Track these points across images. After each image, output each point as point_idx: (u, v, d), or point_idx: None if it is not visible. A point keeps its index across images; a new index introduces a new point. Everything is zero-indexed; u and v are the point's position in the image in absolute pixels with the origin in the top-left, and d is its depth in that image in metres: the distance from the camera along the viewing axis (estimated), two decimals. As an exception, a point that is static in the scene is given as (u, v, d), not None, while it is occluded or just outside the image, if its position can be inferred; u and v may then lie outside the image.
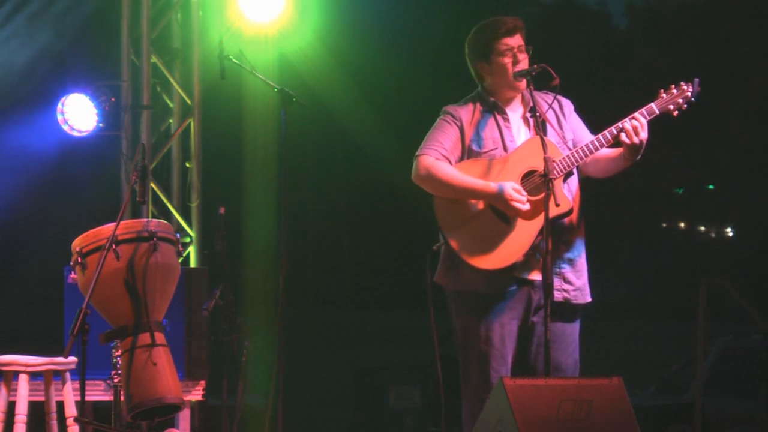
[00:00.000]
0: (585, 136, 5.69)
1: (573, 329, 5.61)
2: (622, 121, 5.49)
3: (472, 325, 5.55)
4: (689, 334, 10.08)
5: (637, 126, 5.46)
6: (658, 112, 5.53)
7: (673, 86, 5.59)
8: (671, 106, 5.56)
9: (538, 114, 5.51)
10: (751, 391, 10.66)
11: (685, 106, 5.58)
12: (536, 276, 5.51)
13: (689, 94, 5.57)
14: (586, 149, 5.51)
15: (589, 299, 5.64)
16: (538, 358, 5.55)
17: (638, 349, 17.43)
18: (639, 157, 5.53)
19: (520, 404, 4.95)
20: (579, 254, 5.62)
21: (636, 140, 5.46)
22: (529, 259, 5.49)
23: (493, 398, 5.13)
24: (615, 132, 5.49)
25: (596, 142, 5.51)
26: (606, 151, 5.57)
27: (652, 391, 11.55)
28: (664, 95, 5.56)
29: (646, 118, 5.49)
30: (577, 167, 5.57)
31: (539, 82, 5.55)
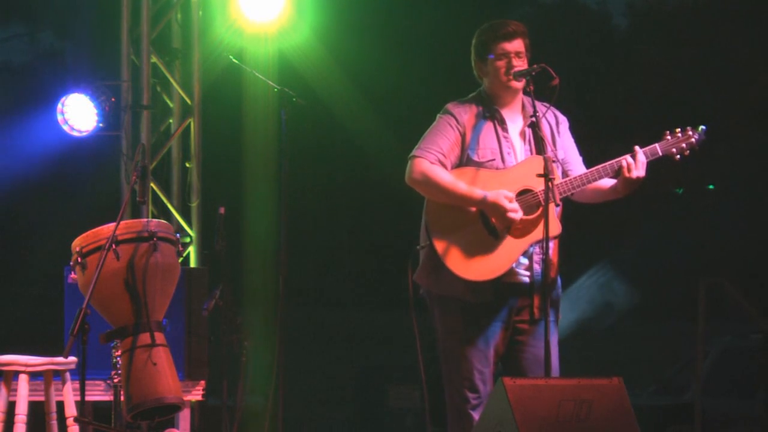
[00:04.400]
0: (575, 157, 5.70)
1: (553, 333, 5.62)
2: (623, 157, 5.50)
3: (454, 327, 5.56)
4: (689, 334, 10.08)
5: (639, 162, 5.46)
6: (660, 154, 5.56)
7: (678, 130, 5.59)
8: (674, 150, 5.57)
9: (537, 115, 5.51)
10: (751, 391, 10.66)
11: (688, 152, 5.59)
12: (519, 279, 5.52)
13: (694, 141, 5.58)
14: (584, 178, 5.52)
15: (560, 315, 5.68)
16: (522, 356, 5.58)
17: (638, 349, 17.42)
18: (631, 192, 5.54)
19: (520, 404, 4.95)
20: (556, 277, 5.64)
21: (634, 175, 5.46)
22: (512, 269, 5.50)
23: (493, 398, 5.14)
24: (616, 167, 5.50)
25: (596, 173, 5.52)
26: (597, 182, 5.57)
27: (652, 391, 11.55)
28: (669, 137, 5.57)
29: (648, 157, 5.50)
30: None
31: (539, 82, 5.55)
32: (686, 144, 5.57)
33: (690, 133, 5.58)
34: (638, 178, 5.49)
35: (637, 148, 5.52)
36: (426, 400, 5.87)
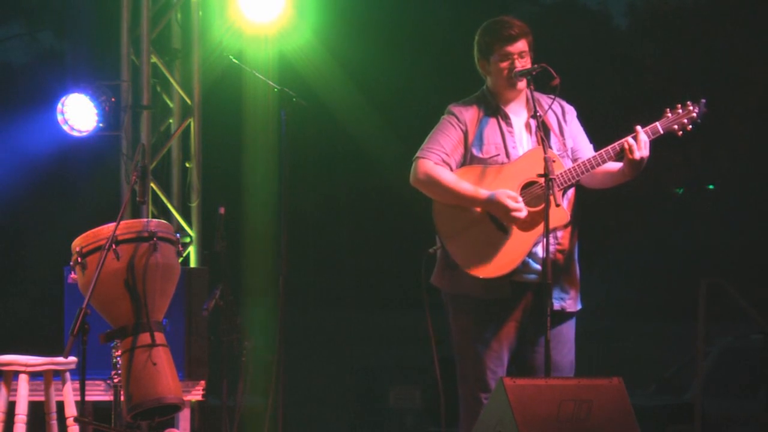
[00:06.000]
0: (584, 144, 5.70)
1: (569, 331, 5.63)
2: (625, 138, 5.49)
3: (468, 327, 5.56)
4: (689, 334, 10.08)
5: (641, 141, 5.46)
6: (662, 132, 5.53)
7: (679, 106, 5.58)
8: (675, 126, 5.55)
9: (539, 115, 5.51)
10: (751, 391, 10.67)
11: (690, 126, 5.57)
12: (532, 278, 5.52)
13: (695, 114, 5.56)
14: (588, 164, 5.51)
15: (580, 306, 5.67)
16: (536, 357, 5.57)
17: (638, 349, 17.42)
18: (637, 173, 5.53)
19: (520, 404, 4.95)
20: (574, 264, 5.64)
21: (637, 155, 5.46)
22: (526, 264, 5.50)
23: (493, 398, 5.14)
24: (618, 149, 5.49)
25: (599, 158, 5.51)
26: (604, 165, 5.57)
27: (652, 391, 11.56)
28: (670, 114, 5.56)
29: (649, 136, 5.49)
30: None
31: (539, 82, 5.55)
32: (687, 119, 5.56)
33: (690, 107, 5.57)
34: (642, 159, 5.48)
35: (638, 128, 5.51)
36: (442, 402, 5.86)
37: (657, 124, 5.55)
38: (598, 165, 5.52)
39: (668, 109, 5.58)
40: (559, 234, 5.53)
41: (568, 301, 5.60)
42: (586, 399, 5.04)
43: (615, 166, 5.58)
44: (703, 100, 5.59)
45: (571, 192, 5.59)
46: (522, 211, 5.43)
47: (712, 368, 10.93)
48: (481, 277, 5.46)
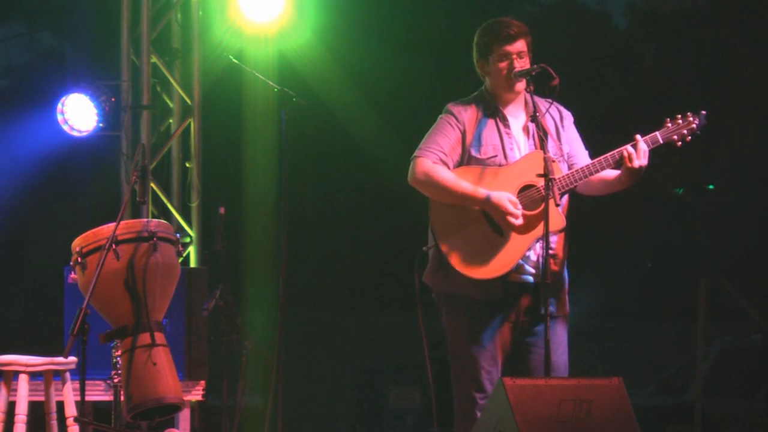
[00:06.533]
0: (580, 151, 5.70)
1: (562, 333, 5.63)
2: (624, 147, 5.49)
3: (461, 327, 5.56)
4: (689, 334, 10.08)
5: (640, 150, 5.46)
6: (661, 142, 5.53)
7: (679, 116, 5.58)
8: (675, 137, 5.56)
9: (538, 115, 5.51)
10: (751, 391, 10.66)
11: (690, 138, 5.57)
12: (526, 278, 5.52)
13: (695, 126, 5.57)
14: (586, 170, 5.51)
15: (568, 309, 5.67)
16: (529, 357, 5.57)
17: (638, 349, 17.42)
18: (634, 182, 5.53)
19: (520, 404, 4.95)
20: (563, 271, 5.65)
21: (636, 164, 5.46)
22: (519, 267, 5.51)
23: (493, 398, 5.14)
24: (617, 156, 5.49)
25: (597, 165, 5.51)
26: (601, 173, 5.57)
27: (652, 391, 11.56)
28: (670, 125, 5.56)
29: (649, 145, 5.50)
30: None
31: (539, 83, 5.55)
32: (687, 130, 5.56)
33: (691, 118, 5.57)
34: (641, 167, 5.48)
35: (638, 136, 5.51)
36: (433, 401, 5.86)
37: (657, 133, 5.55)
38: (597, 172, 5.53)
39: (668, 119, 5.58)
40: (553, 240, 5.52)
41: (557, 305, 5.60)
42: (586, 399, 5.04)
43: (612, 174, 5.59)
44: (704, 112, 5.59)
45: (564, 200, 5.59)
46: (518, 219, 5.43)
47: (712, 368, 10.93)
48: (473, 277, 5.46)
